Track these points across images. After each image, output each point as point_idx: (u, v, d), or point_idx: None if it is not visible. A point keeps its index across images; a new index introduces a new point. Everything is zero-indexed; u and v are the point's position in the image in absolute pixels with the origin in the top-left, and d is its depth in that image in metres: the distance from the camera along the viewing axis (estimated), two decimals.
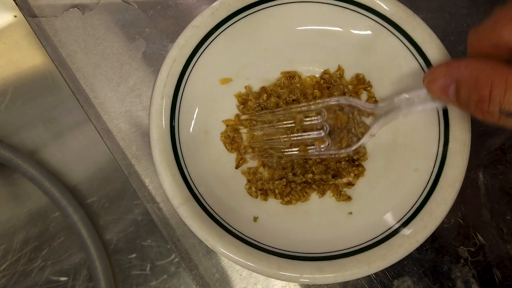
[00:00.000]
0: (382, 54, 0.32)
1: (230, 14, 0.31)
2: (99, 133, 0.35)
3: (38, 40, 0.37)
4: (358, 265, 0.28)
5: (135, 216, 0.35)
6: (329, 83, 0.34)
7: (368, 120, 0.33)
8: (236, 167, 0.33)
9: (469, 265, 0.34)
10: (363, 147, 0.34)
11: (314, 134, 0.33)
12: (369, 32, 0.32)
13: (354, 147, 0.32)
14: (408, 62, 0.31)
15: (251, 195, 0.33)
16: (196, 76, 0.32)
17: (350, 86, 0.34)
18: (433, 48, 0.30)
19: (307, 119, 0.33)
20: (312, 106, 0.33)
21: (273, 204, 0.33)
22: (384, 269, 0.31)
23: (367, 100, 0.34)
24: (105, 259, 0.33)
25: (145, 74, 0.37)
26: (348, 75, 0.34)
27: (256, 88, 0.35)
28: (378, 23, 0.32)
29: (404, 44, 0.31)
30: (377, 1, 0.31)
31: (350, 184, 0.33)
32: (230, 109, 0.34)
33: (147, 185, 0.35)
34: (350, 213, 0.32)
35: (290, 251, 0.29)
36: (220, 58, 0.32)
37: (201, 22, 0.31)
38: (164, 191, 0.29)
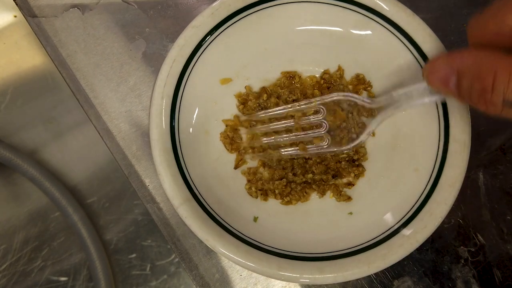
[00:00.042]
0: (382, 54, 0.32)
1: (230, 14, 0.31)
2: (99, 133, 0.35)
3: (38, 40, 0.37)
4: (358, 265, 0.28)
5: (135, 216, 0.35)
6: (329, 83, 0.34)
7: (367, 120, 0.33)
8: (235, 168, 0.33)
9: (469, 265, 0.34)
10: (363, 147, 0.34)
11: (313, 133, 0.33)
12: (369, 32, 0.32)
13: (353, 144, 0.32)
14: (408, 62, 0.31)
15: (251, 195, 0.33)
16: (196, 76, 0.32)
17: (350, 86, 0.34)
18: (433, 48, 0.30)
19: (306, 117, 0.33)
20: (311, 104, 0.33)
21: (273, 204, 0.33)
22: (384, 269, 0.31)
23: None
24: (105, 259, 0.33)
25: (145, 74, 0.37)
26: (348, 75, 0.34)
27: (256, 88, 0.35)
28: (378, 23, 0.31)
29: (404, 44, 0.31)
30: (377, 1, 0.31)
31: (350, 184, 0.33)
32: (230, 109, 0.34)
33: (147, 185, 0.35)
34: (350, 213, 0.32)
35: (290, 251, 0.29)
36: (220, 58, 0.32)
37: (201, 22, 0.31)
38: (164, 191, 0.29)
